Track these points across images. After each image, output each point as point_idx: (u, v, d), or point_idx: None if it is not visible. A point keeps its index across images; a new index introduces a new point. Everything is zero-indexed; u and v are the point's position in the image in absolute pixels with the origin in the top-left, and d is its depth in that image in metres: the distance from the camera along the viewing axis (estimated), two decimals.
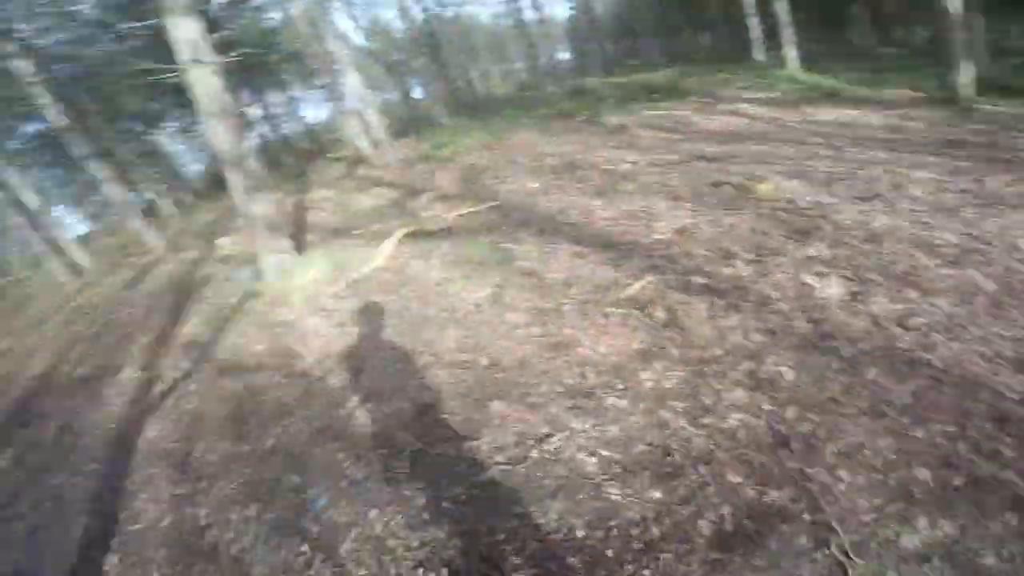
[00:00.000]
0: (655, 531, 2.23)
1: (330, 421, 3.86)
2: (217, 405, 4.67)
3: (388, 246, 5.99)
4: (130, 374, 6.00)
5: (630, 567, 2.12)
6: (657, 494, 2.39)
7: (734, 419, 2.63)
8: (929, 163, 5.46)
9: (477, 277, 4.77)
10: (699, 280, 3.74)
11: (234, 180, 6.45)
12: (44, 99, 9.91)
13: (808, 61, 13.91)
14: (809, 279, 3.49)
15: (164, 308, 7.97)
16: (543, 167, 7.55)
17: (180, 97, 10.01)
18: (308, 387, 4.41)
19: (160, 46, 6.35)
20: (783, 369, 2.81)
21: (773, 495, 2.21)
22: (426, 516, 2.69)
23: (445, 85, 19.25)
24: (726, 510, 2.20)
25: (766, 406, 2.64)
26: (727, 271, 3.80)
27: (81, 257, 13.72)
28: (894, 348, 2.76)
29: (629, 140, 8.86)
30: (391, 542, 2.58)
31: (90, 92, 13.42)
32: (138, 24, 6.88)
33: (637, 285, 3.85)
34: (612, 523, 2.32)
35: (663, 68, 19.36)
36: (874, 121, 8.32)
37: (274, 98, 26.41)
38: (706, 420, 2.68)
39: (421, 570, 2.37)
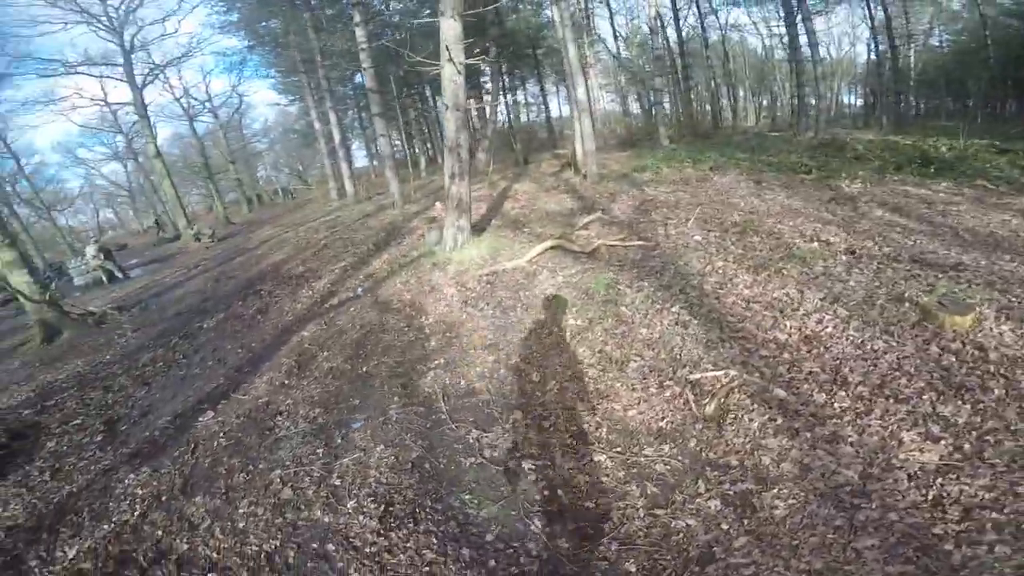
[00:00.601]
0: None
1: (408, 373, 4.75)
2: (354, 328, 6.07)
3: (533, 252, 6.63)
4: (323, 284, 8.05)
5: None
6: None
7: None
8: None
9: (579, 306, 5.04)
10: (779, 393, 3.36)
11: (447, 162, 7.90)
12: (366, 63, 13.34)
13: None
14: (906, 452, 2.87)
15: (372, 242, 10.23)
16: (721, 221, 7.12)
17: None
18: (413, 339, 5.42)
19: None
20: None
21: None
22: (408, 466, 3.29)
23: (680, 107, 18.77)
24: None
25: None
26: (819, 399, 3.32)
27: (348, 186, 18.10)
28: None
29: (847, 216, 7.61)
30: (372, 474, 3.27)
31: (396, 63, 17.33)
32: (424, 19, 8.71)
33: (712, 374, 3.64)
34: None
35: (970, 138, 15.28)
36: None
37: (532, 87, 29.73)
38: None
39: (353, 502, 2.99)
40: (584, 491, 3.02)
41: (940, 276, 5.22)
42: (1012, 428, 3.05)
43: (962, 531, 2.45)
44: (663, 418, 3.40)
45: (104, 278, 13.91)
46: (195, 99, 26.17)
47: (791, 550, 2.47)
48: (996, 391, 3.36)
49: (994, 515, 2.48)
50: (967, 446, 2.96)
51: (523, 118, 31.47)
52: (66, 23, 15.00)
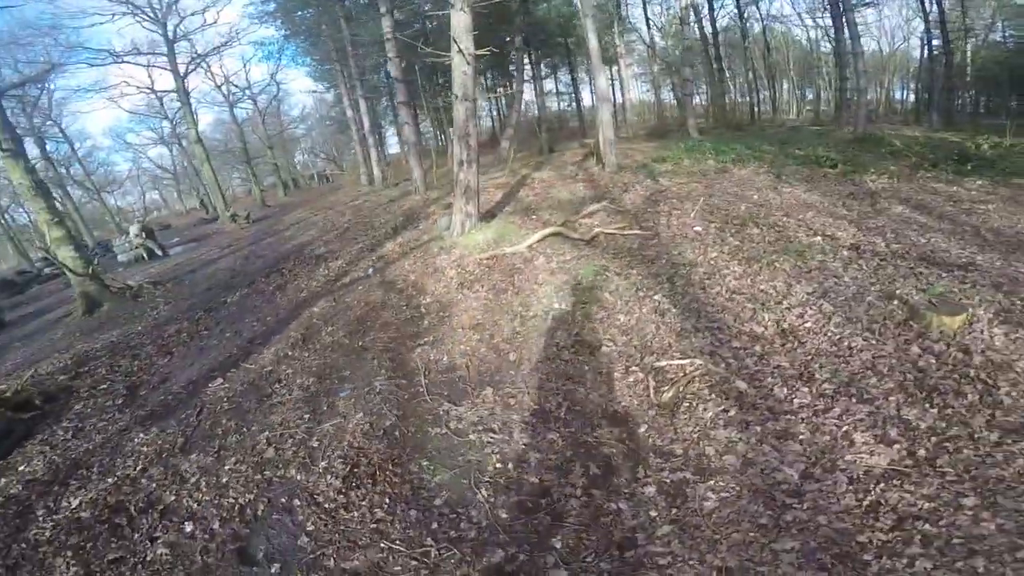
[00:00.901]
0: None
1: (399, 348, 5.00)
2: (359, 305, 6.39)
3: (533, 238, 6.76)
4: (339, 264, 8.43)
5: None
6: None
7: None
8: None
9: (566, 292, 5.16)
10: (740, 385, 3.41)
11: (456, 150, 8.08)
12: (391, 52, 13.64)
13: None
14: (854, 455, 2.87)
15: (391, 226, 10.58)
16: (727, 213, 7.02)
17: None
18: (410, 317, 5.68)
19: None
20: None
21: None
22: (380, 433, 3.52)
23: (713, 99, 18.23)
24: None
25: None
26: (780, 393, 3.34)
27: (376, 172, 18.58)
28: None
29: (863, 212, 7.37)
30: (347, 438, 3.52)
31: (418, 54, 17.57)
32: (435, 12, 8.87)
33: (678, 362, 3.71)
34: None
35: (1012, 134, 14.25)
36: None
37: (564, 76, 29.49)
38: None
39: (324, 462, 3.24)
40: (532, 466, 3.17)
41: (944, 276, 5.04)
42: (975, 436, 2.97)
43: (888, 542, 2.40)
44: (620, 402, 3.49)
45: (145, 255, 14.90)
46: (236, 86, 27.32)
47: (710, 544, 2.50)
48: (970, 396, 3.28)
49: (927, 527, 2.45)
50: (922, 452, 2.91)
51: (555, 107, 31.32)
52: (113, 14, 15.95)
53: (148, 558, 2.97)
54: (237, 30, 23.95)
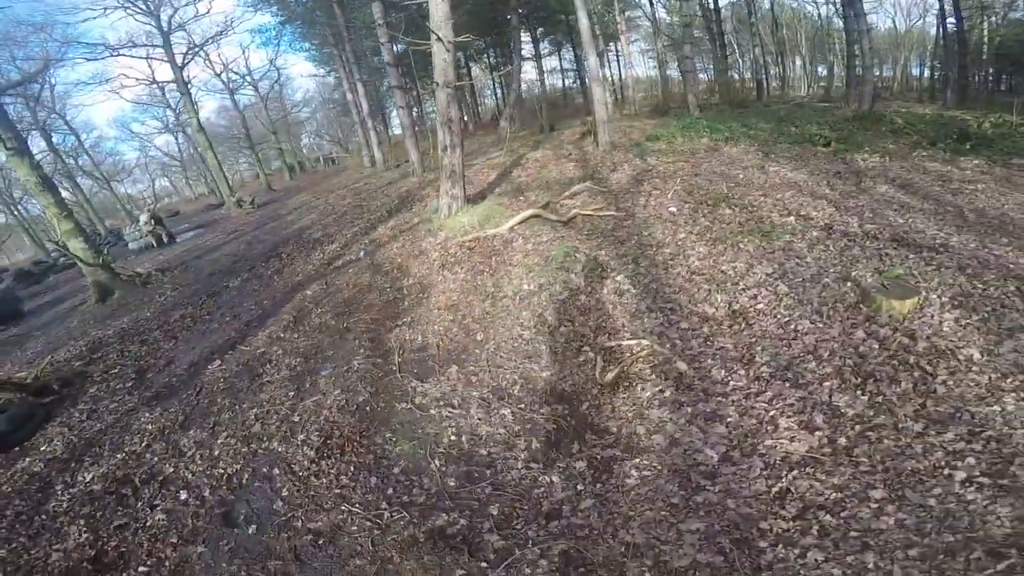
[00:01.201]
0: None
1: (379, 328, 5.32)
2: (348, 287, 6.72)
3: (513, 220, 6.97)
4: (334, 247, 8.74)
5: None
6: None
7: None
8: None
9: (536, 273, 5.39)
10: (681, 366, 3.63)
11: (440, 135, 8.24)
12: (383, 37, 13.68)
13: None
14: (775, 440, 3.02)
15: (386, 208, 10.84)
16: (706, 192, 7.12)
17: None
18: (392, 299, 6.01)
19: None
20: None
21: None
22: (353, 408, 3.85)
23: (717, 75, 17.86)
24: None
25: None
26: (718, 375, 3.55)
27: (377, 155, 18.76)
28: None
29: (846, 191, 7.39)
30: (324, 413, 3.86)
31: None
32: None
33: (627, 343, 3.94)
34: None
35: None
36: None
37: (567, 52, 29.04)
38: None
39: (303, 435, 3.57)
40: (482, 439, 3.46)
41: (911, 257, 5.07)
42: (899, 426, 2.95)
43: (787, 530, 2.44)
44: (569, 381, 3.75)
45: (154, 242, 15.43)
46: (235, 73, 27.52)
47: (624, 520, 2.67)
48: (904, 384, 3.26)
49: (828, 518, 2.47)
50: (842, 440, 2.92)
51: (561, 84, 30.88)
52: (105, 8, 16.10)
53: (148, 523, 3.38)
54: (232, 18, 23.96)
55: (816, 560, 2.26)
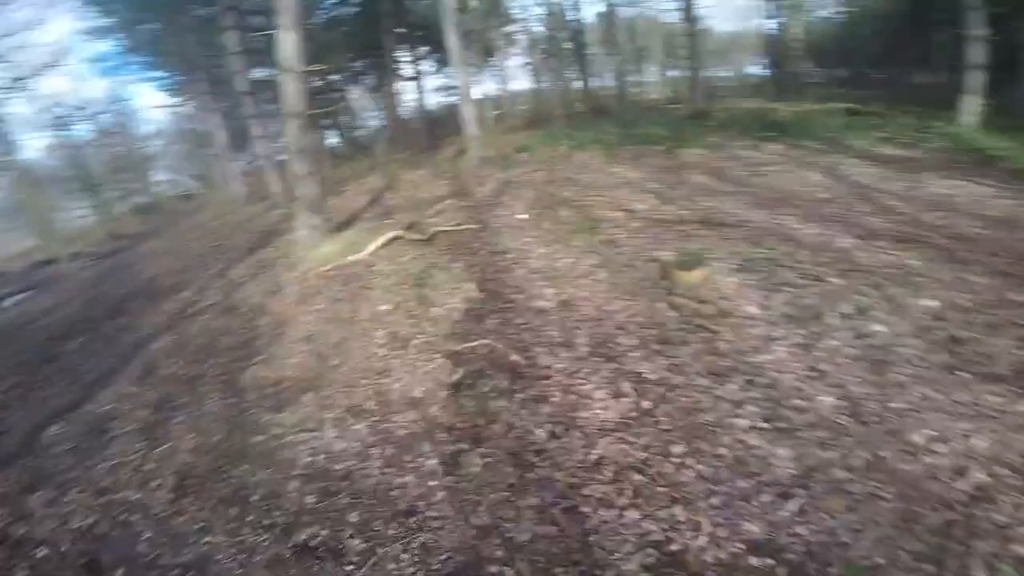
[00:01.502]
0: None
1: (233, 371, 5.28)
2: (201, 334, 6.53)
3: (374, 245, 7.20)
4: (188, 294, 8.33)
5: None
6: None
7: None
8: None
9: (394, 292, 5.72)
10: (515, 358, 4.14)
11: (294, 165, 8.24)
12: (237, 66, 13.20)
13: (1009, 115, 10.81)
14: (591, 411, 3.47)
15: (247, 246, 10.46)
16: (553, 199, 7.96)
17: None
18: (247, 339, 5.98)
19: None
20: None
21: None
22: (208, 448, 3.86)
23: (581, 84, 19.56)
24: None
25: None
26: (545, 361, 4.09)
27: (240, 188, 17.86)
28: None
29: (671, 183, 8.64)
30: (179, 457, 3.85)
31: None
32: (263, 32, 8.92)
33: (472, 344, 4.40)
34: None
35: (832, 101, 16.85)
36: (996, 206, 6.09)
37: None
38: None
39: (159, 480, 3.57)
40: (338, 455, 3.69)
41: (710, 235, 6.16)
42: (693, 384, 3.46)
43: (603, 495, 2.73)
44: (421, 387, 4.12)
45: None
46: (67, 107, 24.51)
47: (473, 506, 2.94)
48: (694, 345, 3.87)
49: (637, 477, 2.77)
50: (646, 403, 3.34)
51: (446, 101, 31.38)
52: None
53: None
54: (62, 49, 21.40)
55: (634, 518, 2.58)
